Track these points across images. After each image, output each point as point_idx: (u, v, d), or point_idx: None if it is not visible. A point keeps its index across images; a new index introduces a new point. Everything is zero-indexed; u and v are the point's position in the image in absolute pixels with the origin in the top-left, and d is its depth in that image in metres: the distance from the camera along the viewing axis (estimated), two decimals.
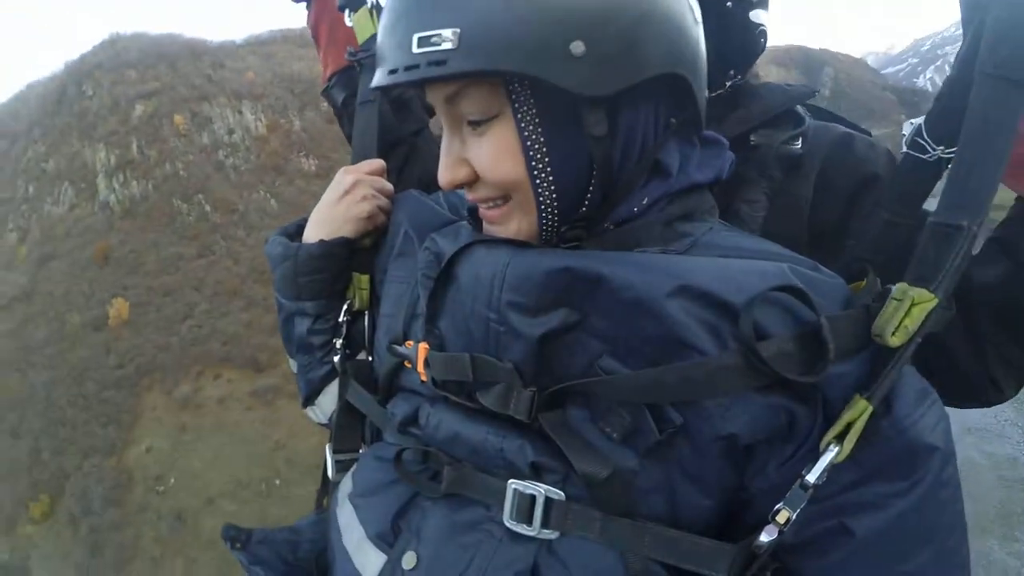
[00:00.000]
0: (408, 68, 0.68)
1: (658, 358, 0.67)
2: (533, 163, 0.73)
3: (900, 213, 0.77)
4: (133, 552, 17.65)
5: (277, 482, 17.85)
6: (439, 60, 0.66)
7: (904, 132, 0.78)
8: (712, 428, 0.67)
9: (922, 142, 0.75)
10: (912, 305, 0.63)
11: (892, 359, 0.64)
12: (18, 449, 20.39)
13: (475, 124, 0.74)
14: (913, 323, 0.63)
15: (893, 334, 0.63)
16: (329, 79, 1.25)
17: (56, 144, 27.44)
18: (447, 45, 0.66)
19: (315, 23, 1.29)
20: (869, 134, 1.07)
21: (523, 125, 0.71)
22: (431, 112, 1.21)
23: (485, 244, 0.80)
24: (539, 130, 0.72)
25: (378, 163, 1.10)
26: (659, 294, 0.67)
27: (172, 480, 18.52)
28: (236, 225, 23.13)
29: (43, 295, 23.03)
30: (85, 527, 18.14)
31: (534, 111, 0.71)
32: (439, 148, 0.94)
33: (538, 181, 0.74)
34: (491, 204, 0.79)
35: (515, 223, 0.78)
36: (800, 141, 0.99)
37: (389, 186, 1.08)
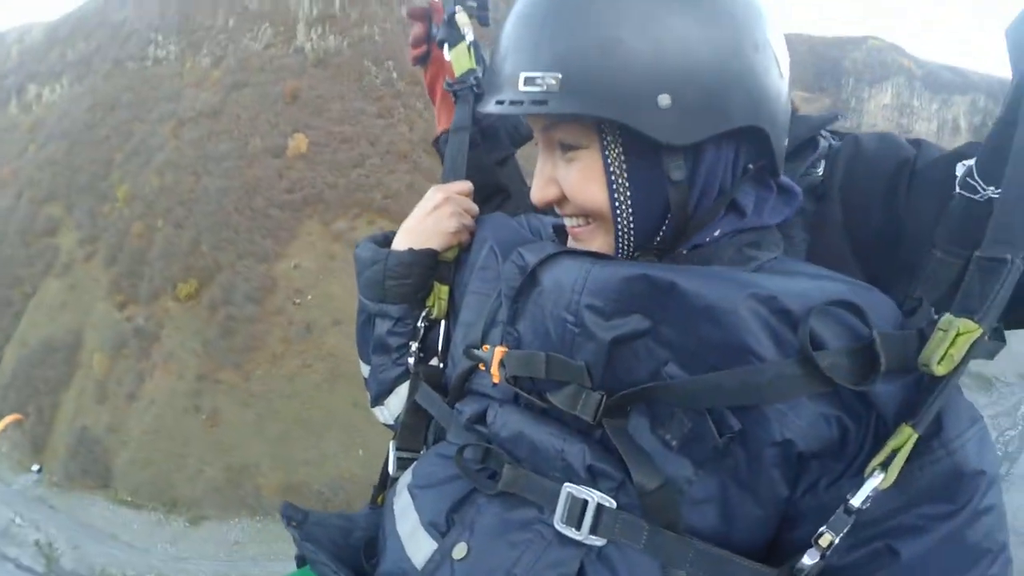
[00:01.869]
0: (513, 103, 0.76)
1: (719, 364, 0.70)
2: (615, 195, 0.79)
3: (952, 252, 0.72)
4: (259, 344, 19.63)
5: None
6: (541, 100, 0.73)
7: (957, 173, 0.78)
8: (769, 433, 0.69)
9: (973, 183, 0.73)
10: (957, 335, 0.64)
11: (937, 388, 0.64)
12: (180, 238, 22.42)
13: (566, 149, 0.81)
14: (958, 353, 0.63)
15: (939, 363, 0.63)
16: (442, 133, 1.31)
17: None
18: (550, 88, 0.73)
19: (431, 82, 1.39)
20: None
21: (609, 161, 0.78)
22: (517, 143, 1.31)
23: (570, 254, 0.85)
24: (623, 167, 0.78)
25: (467, 185, 1.16)
26: (729, 299, 0.71)
27: (310, 296, 20.05)
28: (418, 96, 23.94)
29: (230, 116, 24.68)
30: (223, 313, 20.13)
31: (620, 150, 0.78)
32: (520, 178, 1.21)
33: (618, 212, 0.80)
34: (577, 223, 0.86)
35: (596, 242, 0.86)
36: (821, 166, 0.97)
37: (475, 207, 1.15)
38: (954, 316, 0.66)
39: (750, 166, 0.83)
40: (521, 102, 0.76)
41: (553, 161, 0.85)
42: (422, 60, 1.38)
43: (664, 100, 0.72)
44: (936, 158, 0.88)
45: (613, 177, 0.80)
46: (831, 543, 0.67)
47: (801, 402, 0.69)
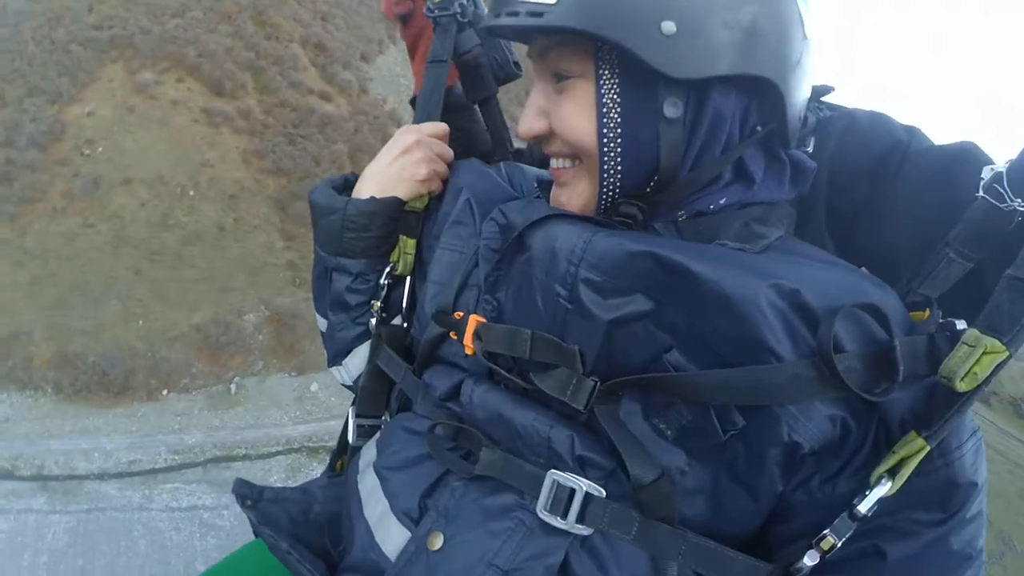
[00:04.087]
0: (510, 14, 0.73)
1: (731, 357, 0.67)
2: (605, 129, 0.75)
3: (964, 255, 0.73)
4: (39, 196, 17.91)
5: (192, 193, 18.02)
6: (537, 12, 0.70)
7: (984, 176, 0.75)
8: (776, 434, 0.67)
9: (1001, 190, 0.72)
10: (984, 354, 0.62)
11: (956, 403, 0.63)
12: None
13: (560, 79, 0.77)
14: (983, 371, 0.62)
15: (962, 379, 0.62)
16: (419, 94, 1.23)
17: None
18: (548, 1, 0.70)
19: (412, 42, 1.27)
20: None
21: (603, 91, 0.74)
22: (501, 81, 1.19)
23: (565, 218, 0.79)
24: (616, 99, 0.73)
25: (441, 126, 1.06)
26: (749, 290, 0.66)
27: (100, 148, 18.51)
28: None
29: None
30: (2, 157, 18.20)
31: (616, 80, 0.73)
32: (501, 122, 1.14)
33: (606, 148, 0.75)
34: (562, 164, 0.81)
35: (581, 186, 0.80)
36: (811, 142, 0.93)
37: (449, 152, 1.06)
38: (980, 333, 0.63)
39: (759, 127, 0.78)
40: (517, 13, 0.72)
41: (546, 93, 0.81)
42: (404, 18, 1.25)
43: (668, 27, 0.67)
44: (930, 147, 0.85)
45: (605, 110, 0.75)
46: (833, 546, 0.66)
47: (813, 405, 0.66)
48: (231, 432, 13.93)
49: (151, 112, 19.01)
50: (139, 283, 16.29)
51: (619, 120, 0.74)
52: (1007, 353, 0.62)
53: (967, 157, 0.79)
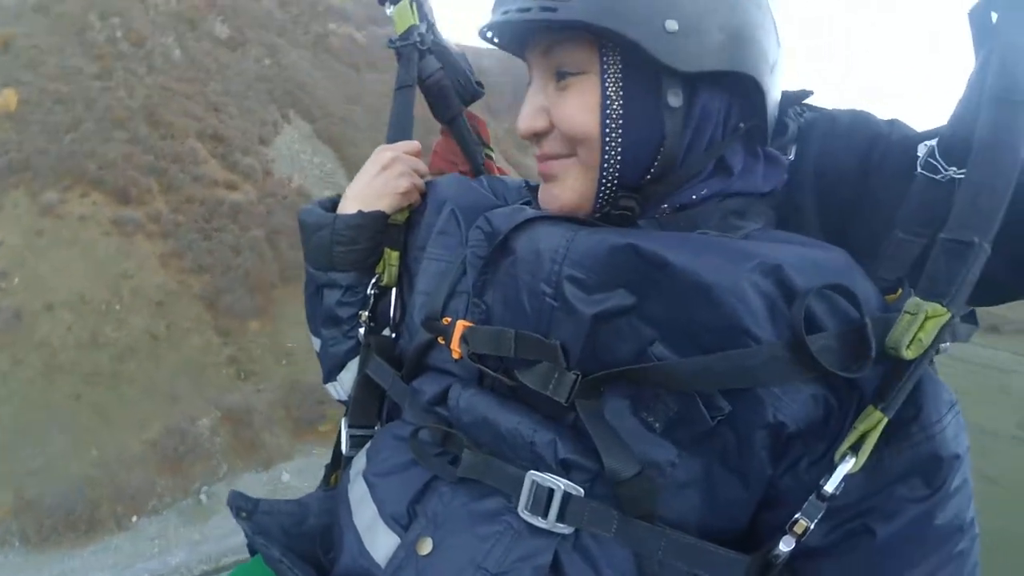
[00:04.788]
0: (521, 10, 0.74)
1: (712, 345, 0.68)
2: (608, 121, 0.77)
3: (913, 232, 0.74)
4: None
5: (117, 307, 17.71)
6: (551, 7, 0.73)
7: (919, 154, 0.78)
8: (761, 415, 0.67)
9: (935, 163, 0.74)
10: (926, 319, 0.63)
11: (907, 371, 0.64)
12: None
13: (562, 76, 0.80)
14: (927, 336, 0.63)
15: (908, 347, 0.63)
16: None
17: None
18: None
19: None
20: None
21: (607, 85, 0.77)
22: (467, 101, 1.24)
23: (548, 220, 0.81)
24: (620, 93, 0.77)
25: (415, 144, 1.12)
26: (728, 275, 0.68)
27: (16, 280, 18.06)
28: (140, 60, 22.15)
29: None
30: None
31: (620, 75, 0.77)
32: (472, 139, 1.17)
33: (608, 140, 0.78)
34: (555, 152, 0.83)
35: (572, 179, 0.82)
36: (792, 150, 0.92)
37: (424, 166, 1.11)
38: (921, 299, 0.65)
39: (741, 124, 0.82)
40: (529, 8, 0.74)
41: (545, 90, 0.83)
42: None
43: (672, 24, 0.72)
44: (905, 136, 0.86)
45: (608, 102, 0.77)
46: (806, 529, 0.66)
47: (795, 385, 0.68)
48: (214, 543, 13.70)
49: (60, 232, 18.77)
50: (81, 410, 15.83)
51: (621, 112, 0.77)
52: (949, 314, 0.63)
53: None
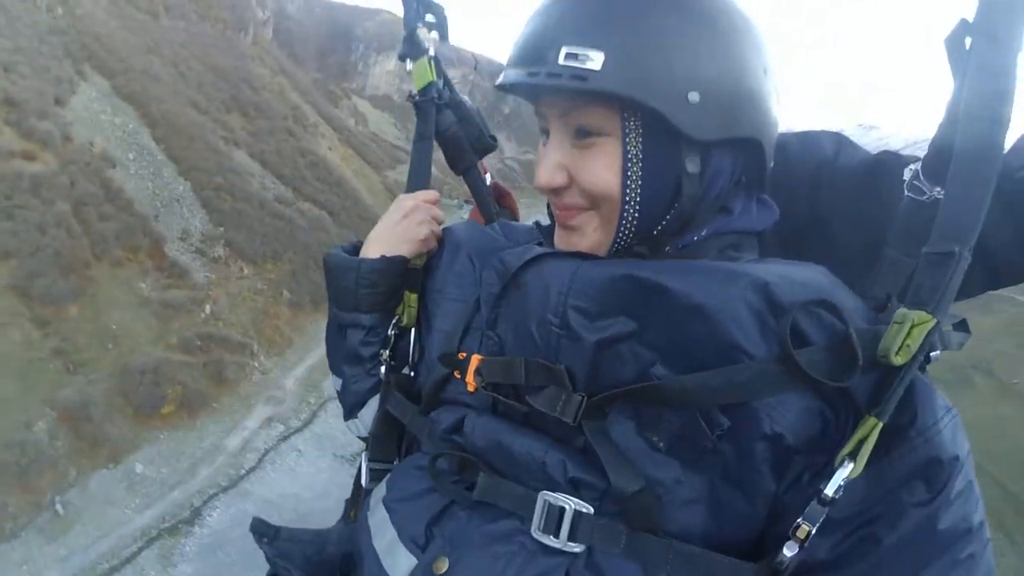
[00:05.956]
0: (551, 75, 0.77)
1: (708, 362, 0.71)
2: (628, 182, 0.81)
3: (904, 251, 0.78)
4: None
5: None
6: (582, 76, 0.75)
7: (905, 178, 0.82)
8: (758, 428, 0.70)
9: (919, 184, 0.78)
10: (913, 327, 0.66)
11: (897, 377, 0.67)
12: None
13: (582, 135, 0.82)
14: (915, 343, 0.66)
15: (897, 353, 0.66)
16: None
17: None
18: (591, 65, 0.75)
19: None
20: None
21: (628, 148, 0.80)
22: (481, 153, 1.29)
23: (555, 256, 0.87)
24: (639, 155, 0.80)
25: (434, 194, 1.17)
26: (719, 293, 0.72)
27: None
28: None
29: None
30: None
31: (640, 139, 0.80)
32: (484, 188, 1.25)
33: (627, 198, 0.81)
34: (575, 204, 0.85)
35: (591, 229, 0.86)
36: None
37: (442, 215, 1.16)
38: (908, 309, 0.68)
39: (743, 178, 0.87)
40: (559, 75, 0.76)
41: (563, 147, 0.85)
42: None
43: (694, 97, 0.75)
44: (850, 160, 0.95)
45: (630, 164, 0.80)
46: (808, 534, 0.68)
47: (788, 396, 0.70)
48: (82, 555, 12.95)
49: None
50: None
51: (640, 174, 0.80)
52: (934, 321, 0.66)
53: (882, 164, 0.91)
